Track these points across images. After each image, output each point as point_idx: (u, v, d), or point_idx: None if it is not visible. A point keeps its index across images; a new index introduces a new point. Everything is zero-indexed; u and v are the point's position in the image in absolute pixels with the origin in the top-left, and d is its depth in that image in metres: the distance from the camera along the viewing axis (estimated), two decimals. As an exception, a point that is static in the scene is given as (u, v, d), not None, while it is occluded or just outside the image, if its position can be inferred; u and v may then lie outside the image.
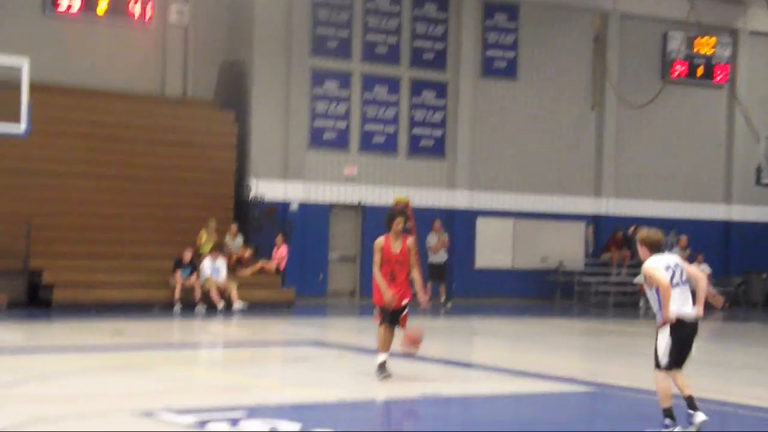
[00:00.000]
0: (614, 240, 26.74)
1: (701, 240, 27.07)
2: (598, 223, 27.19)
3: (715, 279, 25.94)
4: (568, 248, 26.69)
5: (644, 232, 8.50)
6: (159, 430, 8.19)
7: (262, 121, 23.73)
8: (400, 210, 11.25)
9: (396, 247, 10.93)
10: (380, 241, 11.02)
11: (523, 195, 26.23)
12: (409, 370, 12.74)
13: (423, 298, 11.46)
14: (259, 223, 23.19)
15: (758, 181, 26.76)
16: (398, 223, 10.89)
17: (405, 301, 10.99)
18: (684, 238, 25.58)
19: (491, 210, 25.92)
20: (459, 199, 25.58)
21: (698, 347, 8.60)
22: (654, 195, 27.93)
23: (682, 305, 8.18)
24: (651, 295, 8.30)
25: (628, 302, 25.44)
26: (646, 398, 9.57)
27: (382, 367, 10.98)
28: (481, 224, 25.88)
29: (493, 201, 25.84)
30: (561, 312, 23.79)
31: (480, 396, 10.71)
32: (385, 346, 11.02)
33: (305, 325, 18.20)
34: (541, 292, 26.06)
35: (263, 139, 23.70)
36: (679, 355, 8.15)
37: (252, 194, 23.43)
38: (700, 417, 8.09)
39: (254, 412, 8.99)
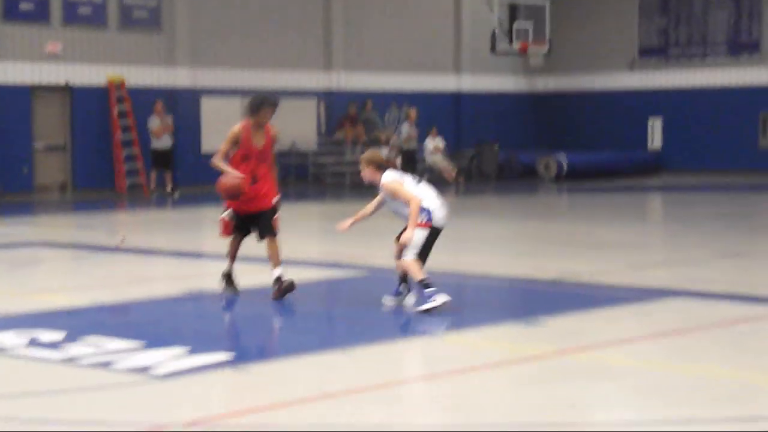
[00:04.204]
0: (348, 117, 27.11)
1: (433, 112, 27.99)
2: (329, 99, 27.42)
3: (447, 152, 27.01)
4: (300, 128, 26.79)
5: (367, 154, 9.22)
6: None
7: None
8: (271, 98, 9.71)
9: (258, 141, 9.55)
10: (237, 130, 9.54)
11: (250, 71, 25.92)
12: (160, 268, 12.46)
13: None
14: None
15: (492, 49, 27.91)
16: (266, 114, 9.53)
17: (275, 200, 9.64)
18: (413, 112, 26.03)
19: (216, 88, 25.46)
20: (180, 77, 24.90)
21: (448, 224, 9.11)
22: (385, 67, 28.46)
23: (436, 207, 8.91)
24: (396, 206, 8.94)
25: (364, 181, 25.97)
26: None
27: (227, 278, 9.85)
28: (206, 105, 25.40)
29: (217, 79, 25.37)
30: (297, 196, 23.97)
31: (247, 288, 10.59)
32: (232, 257, 9.85)
33: (20, 224, 17.28)
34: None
35: (-54, 12, 21.87)
36: (427, 252, 8.91)
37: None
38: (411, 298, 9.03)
39: (1, 323, 8.44)
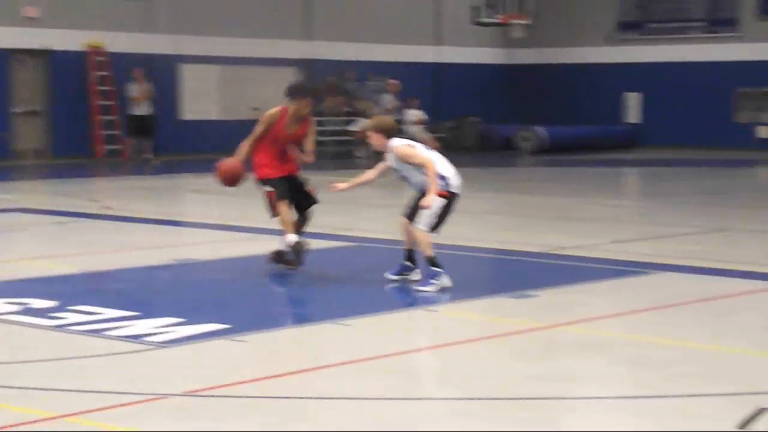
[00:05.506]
0: (327, 87, 27.03)
1: (413, 84, 27.95)
2: (308, 68, 27.34)
3: (427, 125, 27.01)
4: (279, 97, 26.54)
5: (375, 120, 8.99)
6: None
7: None
8: (310, 88, 9.37)
9: (292, 128, 9.21)
10: (273, 114, 9.16)
11: (229, 39, 25.76)
12: (143, 236, 12.46)
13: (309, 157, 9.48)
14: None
15: (474, 21, 27.89)
16: (304, 104, 9.15)
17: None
18: (394, 83, 26.08)
19: (195, 56, 25.31)
20: (160, 43, 24.75)
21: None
22: (365, 38, 28.38)
23: (451, 173, 8.66)
24: (408, 171, 8.61)
25: (345, 152, 25.99)
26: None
27: (296, 247, 9.23)
28: (186, 72, 25.28)
29: (197, 46, 25.21)
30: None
31: (238, 257, 10.64)
32: (292, 224, 9.29)
33: (-1, 191, 17.21)
34: (252, 145, 25.98)
35: None
36: (441, 222, 8.63)
37: None
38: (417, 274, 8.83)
39: (-9, 290, 8.46)
